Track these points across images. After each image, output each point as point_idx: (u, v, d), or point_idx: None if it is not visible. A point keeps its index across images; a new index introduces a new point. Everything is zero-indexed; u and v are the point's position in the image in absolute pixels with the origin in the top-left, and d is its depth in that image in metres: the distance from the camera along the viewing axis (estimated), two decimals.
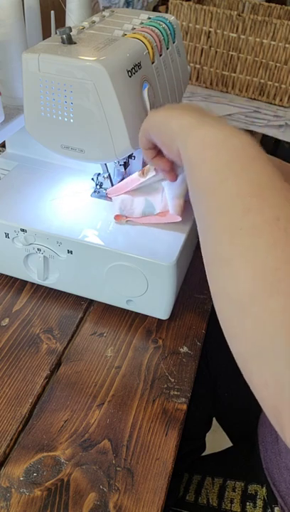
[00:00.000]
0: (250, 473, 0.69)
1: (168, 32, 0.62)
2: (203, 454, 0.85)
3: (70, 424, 0.54)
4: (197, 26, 1.33)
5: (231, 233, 0.37)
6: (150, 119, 0.50)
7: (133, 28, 0.59)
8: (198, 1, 1.45)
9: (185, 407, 0.57)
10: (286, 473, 0.62)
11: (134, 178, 0.62)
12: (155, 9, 1.60)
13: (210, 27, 1.32)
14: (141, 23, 0.61)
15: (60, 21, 0.77)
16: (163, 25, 0.62)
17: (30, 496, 0.48)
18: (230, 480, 0.68)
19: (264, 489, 0.66)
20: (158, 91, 0.60)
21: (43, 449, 0.51)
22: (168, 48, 0.62)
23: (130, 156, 0.66)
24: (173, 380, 0.60)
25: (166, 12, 1.44)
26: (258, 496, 0.65)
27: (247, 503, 0.65)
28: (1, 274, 0.70)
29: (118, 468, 0.50)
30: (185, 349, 0.64)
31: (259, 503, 0.65)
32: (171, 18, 0.65)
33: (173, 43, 0.64)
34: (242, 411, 0.84)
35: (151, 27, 0.60)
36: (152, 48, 0.57)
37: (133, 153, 0.66)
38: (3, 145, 0.77)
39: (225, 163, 0.40)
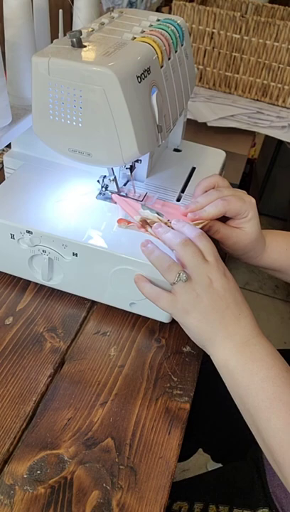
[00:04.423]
0: (258, 497, 0.67)
1: (177, 35, 0.62)
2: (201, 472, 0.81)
3: (73, 423, 0.54)
4: (201, 27, 1.33)
5: None
6: (184, 323, 0.56)
7: (143, 31, 0.59)
8: (201, 2, 1.45)
9: (188, 406, 0.57)
10: None
11: (136, 210, 0.65)
12: (158, 10, 1.60)
13: (213, 28, 1.32)
14: (150, 25, 0.61)
15: (68, 19, 0.77)
16: (172, 27, 0.62)
17: (33, 493, 0.48)
18: (237, 508, 0.67)
19: None
20: (166, 95, 0.60)
21: (47, 447, 0.52)
22: (176, 51, 0.62)
23: (136, 160, 0.67)
24: (175, 379, 0.60)
25: (169, 13, 1.44)
26: None
27: None
28: (5, 273, 0.70)
29: (121, 467, 0.51)
30: (188, 348, 0.64)
31: None
32: (179, 20, 0.65)
33: (182, 45, 0.64)
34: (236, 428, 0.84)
35: (160, 30, 0.60)
36: (161, 52, 0.57)
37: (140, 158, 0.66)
38: (9, 144, 0.77)
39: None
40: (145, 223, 0.62)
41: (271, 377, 0.50)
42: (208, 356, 0.56)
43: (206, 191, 0.64)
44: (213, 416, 0.86)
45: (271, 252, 0.66)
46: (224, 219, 0.64)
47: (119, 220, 0.64)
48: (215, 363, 0.55)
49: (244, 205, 0.61)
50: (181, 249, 0.55)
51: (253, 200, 0.62)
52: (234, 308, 0.54)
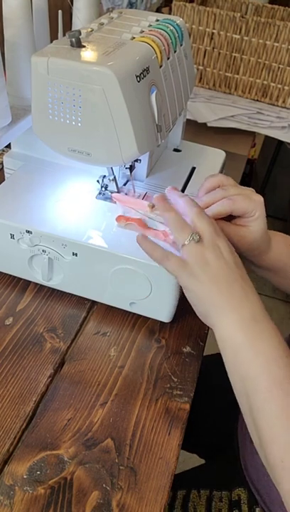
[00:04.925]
0: (234, 479, 0.68)
1: (176, 35, 0.62)
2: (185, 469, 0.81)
3: (73, 423, 0.54)
4: (201, 28, 1.33)
5: None
6: (192, 289, 0.53)
7: (142, 31, 0.59)
8: (202, 3, 1.45)
9: (187, 406, 0.57)
10: (261, 471, 0.62)
11: (143, 204, 0.64)
12: (158, 10, 1.60)
13: (214, 28, 1.32)
14: (150, 25, 0.62)
15: (67, 19, 0.77)
16: (171, 27, 0.62)
17: (33, 493, 0.48)
18: (217, 490, 0.67)
19: (246, 491, 0.65)
20: (165, 94, 0.60)
21: (47, 448, 0.52)
22: (175, 51, 0.62)
23: (136, 160, 0.67)
24: (175, 379, 0.60)
25: (169, 13, 1.44)
26: (242, 501, 0.65)
27: (233, 511, 0.65)
28: (5, 273, 0.70)
29: (121, 467, 0.51)
30: (188, 349, 0.64)
31: (244, 508, 0.65)
32: (179, 20, 0.65)
33: (181, 45, 0.64)
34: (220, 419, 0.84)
35: (159, 30, 0.60)
36: (160, 52, 0.57)
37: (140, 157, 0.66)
38: (8, 144, 0.77)
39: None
40: (152, 207, 0.62)
41: (276, 358, 0.49)
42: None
43: (210, 192, 0.63)
44: (204, 415, 0.86)
45: (275, 250, 0.65)
46: (230, 217, 0.63)
47: (118, 218, 0.63)
48: (217, 336, 0.52)
49: (251, 204, 0.59)
50: (197, 217, 0.54)
51: (261, 199, 0.60)
52: (243, 283, 0.52)
